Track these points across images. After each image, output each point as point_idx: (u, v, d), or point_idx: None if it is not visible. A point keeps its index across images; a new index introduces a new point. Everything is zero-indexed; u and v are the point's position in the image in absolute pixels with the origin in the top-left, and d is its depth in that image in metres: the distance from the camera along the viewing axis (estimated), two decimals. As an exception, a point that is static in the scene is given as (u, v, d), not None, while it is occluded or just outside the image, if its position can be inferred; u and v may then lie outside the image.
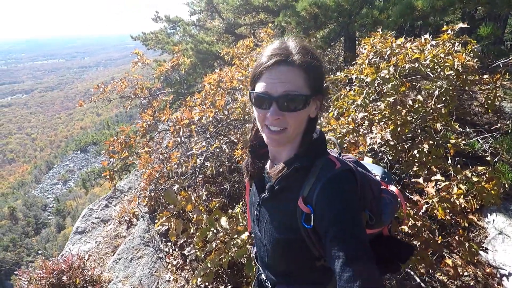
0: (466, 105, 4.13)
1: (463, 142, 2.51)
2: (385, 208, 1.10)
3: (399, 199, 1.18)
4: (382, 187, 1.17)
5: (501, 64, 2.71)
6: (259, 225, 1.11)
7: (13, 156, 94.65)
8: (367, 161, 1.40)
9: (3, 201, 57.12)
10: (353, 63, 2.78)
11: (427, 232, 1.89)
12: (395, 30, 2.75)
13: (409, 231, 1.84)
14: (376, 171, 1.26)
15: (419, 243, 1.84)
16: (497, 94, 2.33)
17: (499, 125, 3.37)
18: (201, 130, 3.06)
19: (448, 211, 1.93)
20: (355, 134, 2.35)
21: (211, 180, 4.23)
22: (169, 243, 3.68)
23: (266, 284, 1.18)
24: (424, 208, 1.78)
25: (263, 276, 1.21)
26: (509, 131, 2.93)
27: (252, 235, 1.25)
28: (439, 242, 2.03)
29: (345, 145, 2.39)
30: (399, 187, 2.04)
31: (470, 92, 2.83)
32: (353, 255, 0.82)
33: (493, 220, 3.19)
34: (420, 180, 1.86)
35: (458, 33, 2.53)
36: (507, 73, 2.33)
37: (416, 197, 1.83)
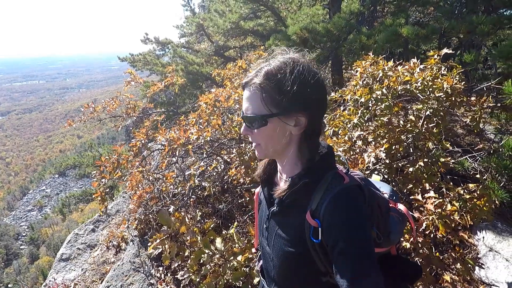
0: (449, 127, 4.32)
1: (452, 161, 2.62)
2: (393, 227, 1.10)
3: (407, 218, 1.18)
4: (391, 205, 1.16)
5: (484, 88, 2.89)
6: (268, 238, 1.11)
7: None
8: (375, 179, 1.39)
9: (-29, 229, 53.57)
10: (347, 84, 2.89)
11: (428, 248, 1.92)
12: (382, 55, 2.90)
13: (411, 247, 1.86)
14: (385, 189, 1.25)
15: (420, 260, 1.86)
16: (482, 116, 2.47)
17: (481, 145, 3.53)
18: (197, 150, 3.05)
19: (439, 232, 1.97)
20: (351, 153, 2.41)
21: (203, 201, 4.16)
22: (161, 268, 3.53)
23: None
24: (424, 225, 1.82)
25: None
26: (491, 151, 3.07)
27: (259, 249, 1.24)
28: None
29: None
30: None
31: (456, 115, 2.98)
32: (360, 271, 0.82)
33: (483, 237, 3.27)
34: (419, 197, 1.91)
35: (442, 59, 2.71)
36: (490, 96, 2.48)
37: (416, 214, 1.87)
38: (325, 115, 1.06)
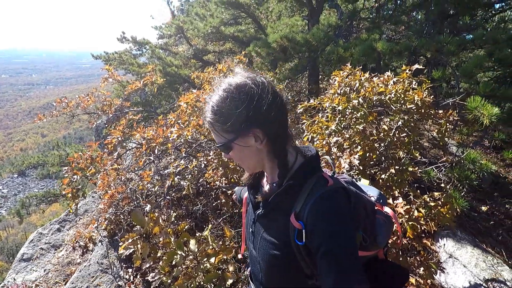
0: (417, 139, 4.61)
1: (419, 170, 2.79)
2: (379, 229, 1.11)
3: (393, 221, 1.20)
4: (377, 208, 1.18)
5: (450, 103, 3.12)
6: (254, 242, 1.12)
7: None
8: (364, 183, 1.42)
9: None
10: (324, 93, 3.01)
11: (396, 250, 2.02)
12: (357, 67, 3.05)
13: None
14: (372, 192, 1.28)
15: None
16: (447, 129, 2.66)
17: (445, 158, 3.79)
18: (175, 151, 3.02)
19: (407, 234, 2.09)
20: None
21: (176, 203, 4.10)
22: (130, 270, 3.43)
23: None
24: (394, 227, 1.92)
25: None
26: (454, 164, 3.30)
27: (246, 254, 1.26)
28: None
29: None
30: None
31: (423, 129, 3.18)
32: (344, 271, 0.83)
33: (444, 244, 3.48)
34: (390, 200, 2.02)
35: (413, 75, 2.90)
36: (455, 111, 2.69)
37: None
38: (287, 118, 1.08)
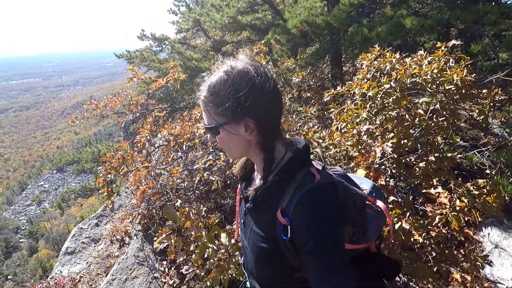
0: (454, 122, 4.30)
1: (459, 155, 2.59)
2: (369, 224, 1.10)
3: (385, 215, 1.18)
4: (368, 202, 1.17)
5: (493, 80, 2.86)
6: (245, 233, 1.14)
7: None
8: (360, 174, 1.42)
9: (-29, 225, 53.63)
10: (351, 77, 2.86)
11: (440, 243, 1.91)
12: (384, 47, 2.86)
13: (424, 242, 1.85)
14: (365, 185, 1.27)
15: (433, 255, 1.85)
16: (491, 109, 2.45)
17: (486, 140, 3.52)
18: (202, 145, 3.02)
19: (452, 226, 1.95)
20: (359, 147, 2.39)
21: (205, 196, 4.15)
22: (164, 262, 3.53)
23: None
24: (437, 219, 1.81)
25: (248, 284, 1.23)
26: (499, 146, 3.04)
27: (239, 241, 1.29)
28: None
29: (350, 157, 2.42)
30: (411, 198, 2.09)
31: (460, 108, 2.95)
32: (330, 268, 0.84)
33: (488, 234, 3.25)
34: (432, 190, 1.90)
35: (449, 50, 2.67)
36: (500, 89, 2.46)
37: (428, 208, 1.85)
38: (282, 114, 1.05)
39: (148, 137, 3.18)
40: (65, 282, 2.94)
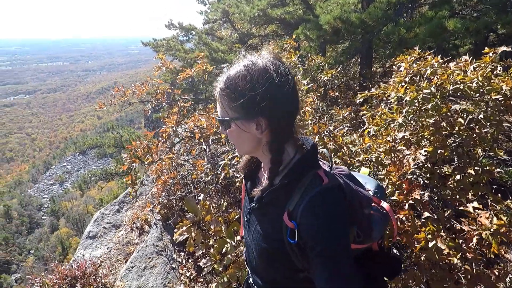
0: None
1: (498, 169, 2.43)
2: (374, 225, 1.10)
3: (389, 217, 1.19)
4: (373, 203, 1.16)
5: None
6: (248, 231, 1.13)
7: (12, 155, 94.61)
8: (363, 173, 1.40)
9: (-1, 199, 56.71)
10: (382, 78, 2.74)
11: (476, 265, 1.79)
12: (425, 50, 2.70)
13: (458, 263, 1.74)
14: (370, 185, 1.26)
15: (469, 277, 1.74)
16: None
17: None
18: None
19: (492, 250, 1.81)
20: (393, 154, 2.28)
21: (224, 190, 4.14)
22: (182, 253, 3.56)
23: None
24: (474, 240, 1.69)
25: (251, 280, 1.23)
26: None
27: (243, 239, 1.28)
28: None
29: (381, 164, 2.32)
30: (451, 214, 1.98)
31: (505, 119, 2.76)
32: (337, 272, 0.84)
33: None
34: (470, 208, 1.78)
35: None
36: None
37: (466, 227, 1.74)
38: (296, 117, 1.02)
39: (174, 128, 3.18)
40: (87, 266, 3.01)
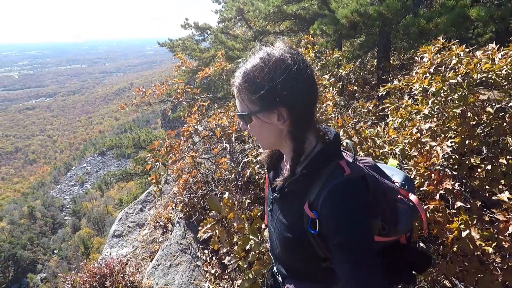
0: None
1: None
2: (400, 218, 1.08)
3: (418, 209, 1.14)
4: (400, 195, 1.13)
5: None
6: (271, 221, 1.15)
7: (35, 157, 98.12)
8: (392, 164, 1.37)
9: (23, 200, 59.05)
10: (412, 71, 2.69)
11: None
12: (451, 40, 2.63)
13: (494, 253, 1.71)
14: (397, 177, 1.23)
15: (505, 267, 1.70)
16: None
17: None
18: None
19: None
20: (419, 146, 2.24)
21: (244, 188, 4.17)
22: (206, 251, 3.61)
23: (277, 276, 1.22)
24: (510, 229, 1.65)
25: (275, 269, 1.25)
26: None
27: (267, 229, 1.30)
28: None
29: (408, 156, 2.29)
30: (479, 204, 1.93)
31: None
32: (359, 263, 0.84)
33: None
34: (505, 198, 1.73)
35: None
36: None
37: (501, 217, 1.70)
38: (316, 105, 1.02)
39: (195, 127, 3.22)
40: (115, 264, 3.10)
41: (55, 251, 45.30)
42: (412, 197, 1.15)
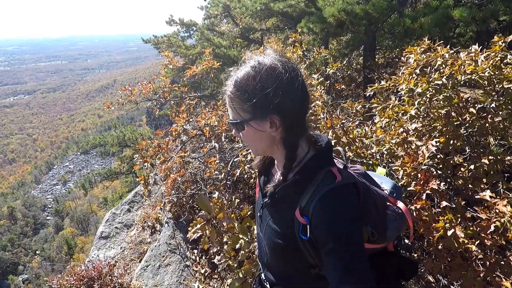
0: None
1: (508, 158, 2.45)
2: (389, 225, 1.10)
3: (406, 216, 1.17)
4: (389, 203, 1.16)
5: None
6: (261, 226, 1.15)
7: (14, 156, 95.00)
8: (380, 173, 1.40)
9: (3, 201, 57.10)
10: (398, 71, 2.74)
11: (494, 252, 1.82)
12: (434, 41, 2.70)
13: (477, 250, 1.77)
14: (386, 185, 1.25)
15: (487, 264, 1.77)
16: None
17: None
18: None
19: (509, 236, 1.84)
20: (405, 146, 2.30)
21: (233, 186, 4.16)
22: (195, 251, 3.60)
23: (265, 284, 1.21)
24: (492, 227, 1.72)
25: (263, 276, 1.24)
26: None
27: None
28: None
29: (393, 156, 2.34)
30: (463, 203, 2.00)
31: None
32: (350, 269, 0.84)
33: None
34: (487, 196, 1.80)
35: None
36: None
37: (483, 215, 1.76)
38: (308, 111, 1.04)
39: (184, 126, 3.19)
40: (103, 266, 3.05)
41: (37, 252, 44.12)
42: (401, 204, 1.18)
